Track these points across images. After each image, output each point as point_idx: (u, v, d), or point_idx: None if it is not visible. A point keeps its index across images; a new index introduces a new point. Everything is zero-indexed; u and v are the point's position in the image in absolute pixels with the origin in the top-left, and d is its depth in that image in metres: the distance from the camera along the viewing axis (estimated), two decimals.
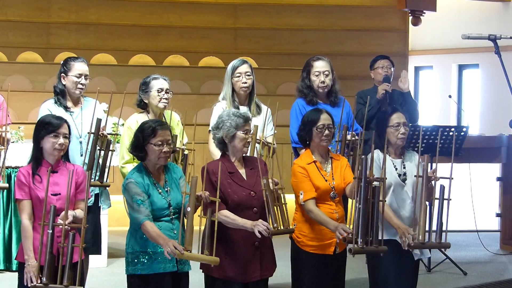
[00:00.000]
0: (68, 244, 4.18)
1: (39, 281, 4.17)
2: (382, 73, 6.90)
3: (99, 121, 5.03)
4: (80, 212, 4.39)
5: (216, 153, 5.43)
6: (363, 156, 4.56)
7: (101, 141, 5.12)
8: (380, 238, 4.54)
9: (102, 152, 5.14)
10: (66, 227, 4.20)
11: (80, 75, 5.51)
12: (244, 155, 4.75)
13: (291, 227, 4.68)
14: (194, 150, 5.33)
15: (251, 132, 4.72)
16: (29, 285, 4.24)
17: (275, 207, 4.55)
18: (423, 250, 4.91)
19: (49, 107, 5.50)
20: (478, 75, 12.32)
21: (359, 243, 4.47)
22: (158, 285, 4.44)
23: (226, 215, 4.51)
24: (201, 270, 4.65)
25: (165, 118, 5.68)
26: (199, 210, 4.45)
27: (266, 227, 4.40)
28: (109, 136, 5.19)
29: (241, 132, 4.62)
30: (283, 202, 4.63)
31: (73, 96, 5.57)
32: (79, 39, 12.69)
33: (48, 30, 12.70)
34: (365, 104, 6.56)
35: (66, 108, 5.51)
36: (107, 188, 5.54)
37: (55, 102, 5.53)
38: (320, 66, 5.87)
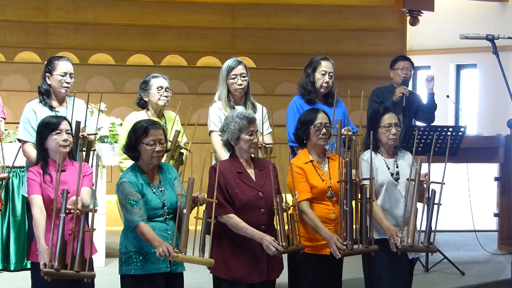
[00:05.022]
0: (79, 229, 4.17)
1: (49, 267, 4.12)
2: (402, 74, 7.03)
3: (78, 123, 5.00)
4: (86, 200, 4.38)
5: (222, 154, 5.43)
6: (347, 159, 4.64)
7: (82, 141, 5.09)
8: (370, 238, 4.60)
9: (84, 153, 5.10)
10: (77, 211, 4.19)
11: (65, 74, 5.47)
12: (253, 156, 4.75)
13: (300, 244, 4.68)
14: (191, 152, 5.32)
15: (257, 133, 4.70)
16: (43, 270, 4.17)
17: (285, 224, 4.57)
18: None
19: (33, 107, 5.45)
20: (476, 75, 12.33)
21: (347, 245, 4.52)
22: (152, 286, 4.42)
23: (236, 222, 4.51)
24: (209, 271, 4.64)
25: (165, 117, 5.69)
26: (195, 211, 4.44)
27: (276, 249, 4.42)
28: (90, 137, 5.17)
29: (246, 134, 4.60)
30: (295, 219, 4.64)
31: (58, 95, 5.52)
32: (77, 39, 12.69)
33: (46, 30, 12.70)
34: (381, 103, 6.62)
35: (51, 108, 5.46)
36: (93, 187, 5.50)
37: (40, 102, 5.48)
38: (327, 66, 5.89)
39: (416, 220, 4.70)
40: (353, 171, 4.69)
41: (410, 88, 7.25)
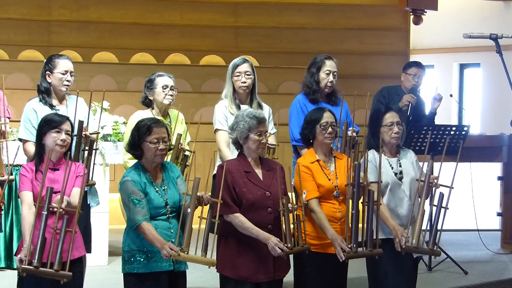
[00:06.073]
0: (62, 228, 4.16)
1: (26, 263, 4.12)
2: (412, 81, 7.02)
3: (81, 123, 5.00)
4: (74, 200, 4.36)
5: (227, 153, 5.43)
6: (355, 162, 4.62)
7: (84, 141, 5.08)
8: (375, 241, 4.60)
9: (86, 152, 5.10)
10: (60, 210, 4.19)
11: (65, 72, 5.47)
12: (261, 156, 4.74)
13: (306, 244, 4.68)
14: (194, 152, 5.31)
15: (266, 133, 4.69)
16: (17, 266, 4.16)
17: (290, 225, 4.56)
18: None
19: (34, 106, 5.43)
20: (479, 74, 12.33)
21: (352, 248, 4.52)
22: (155, 284, 4.42)
23: (242, 221, 4.50)
24: (215, 270, 4.63)
25: (169, 116, 5.69)
26: (198, 211, 4.43)
27: (281, 250, 4.42)
28: (92, 136, 5.16)
29: (254, 134, 4.59)
30: (301, 219, 4.64)
31: (59, 93, 5.51)
32: (80, 37, 12.70)
33: (49, 28, 12.71)
34: (386, 104, 6.67)
35: (52, 106, 5.44)
36: (94, 186, 5.50)
37: (40, 101, 5.46)
38: (331, 65, 5.86)
39: (423, 221, 4.70)
40: (361, 173, 4.68)
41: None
